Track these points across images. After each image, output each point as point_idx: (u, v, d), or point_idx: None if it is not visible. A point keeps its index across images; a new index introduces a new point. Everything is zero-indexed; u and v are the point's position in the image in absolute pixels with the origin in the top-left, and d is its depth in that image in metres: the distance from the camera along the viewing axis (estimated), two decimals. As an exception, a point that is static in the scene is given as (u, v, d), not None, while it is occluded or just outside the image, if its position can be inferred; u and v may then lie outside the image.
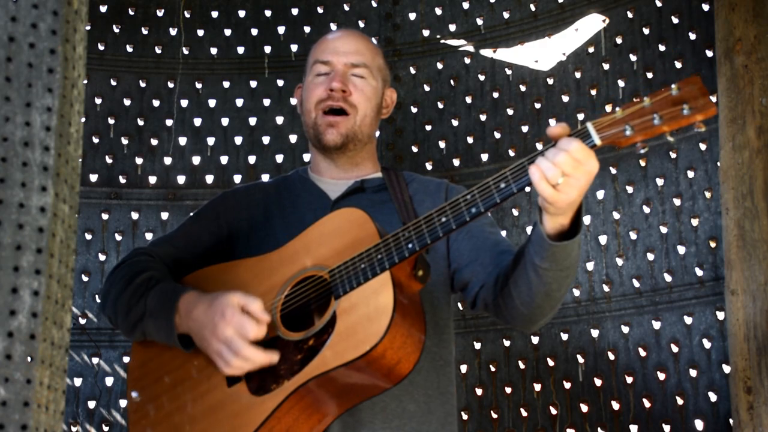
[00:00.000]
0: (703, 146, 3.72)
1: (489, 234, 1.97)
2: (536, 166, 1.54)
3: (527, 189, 1.61)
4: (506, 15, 4.28)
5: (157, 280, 1.92)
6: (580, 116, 4.02)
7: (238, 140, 4.30)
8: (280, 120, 4.33)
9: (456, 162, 4.20)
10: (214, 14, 4.46)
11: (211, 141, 4.29)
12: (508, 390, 3.86)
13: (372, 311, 1.65)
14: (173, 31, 4.40)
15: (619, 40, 4.02)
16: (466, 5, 4.36)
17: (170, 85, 4.33)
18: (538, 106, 4.14)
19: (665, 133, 1.50)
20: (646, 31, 3.97)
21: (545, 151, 1.55)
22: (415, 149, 4.27)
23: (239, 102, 4.35)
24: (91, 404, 3.89)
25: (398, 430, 1.85)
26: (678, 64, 3.85)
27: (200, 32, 4.42)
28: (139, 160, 4.23)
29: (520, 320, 1.85)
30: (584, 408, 3.72)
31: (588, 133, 1.54)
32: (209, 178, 4.24)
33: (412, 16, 4.41)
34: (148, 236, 4.12)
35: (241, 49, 4.42)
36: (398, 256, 1.66)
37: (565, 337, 3.84)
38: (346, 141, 2.04)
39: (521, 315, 1.82)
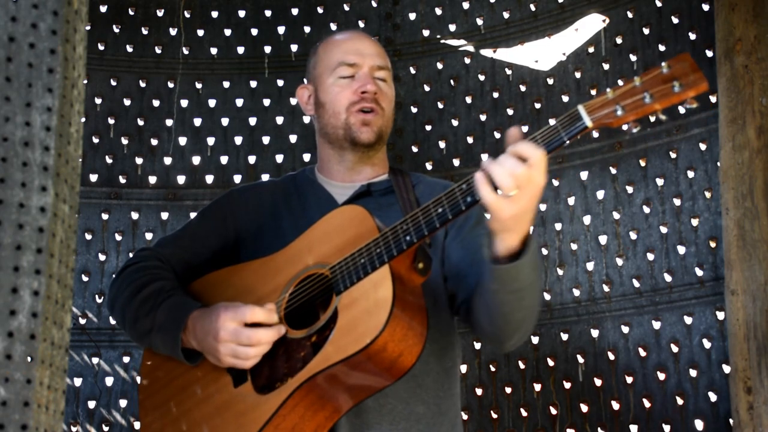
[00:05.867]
0: (703, 146, 3.72)
1: (480, 247, 1.94)
2: (482, 171, 1.56)
3: None
4: (506, 15, 4.28)
5: (167, 294, 1.93)
6: (580, 116, 4.01)
7: (238, 140, 4.30)
8: (280, 120, 4.33)
9: (456, 162, 4.20)
10: (214, 14, 4.46)
11: (211, 141, 4.29)
12: (508, 390, 3.86)
13: (372, 305, 1.66)
14: (173, 31, 4.40)
15: (619, 40, 4.02)
16: (466, 5, 4.36)
17: (170, 85, 4.33)
18: (538, 106, 4.14)
19: (657, 111, 1.49)
20: (646, 31, 3.97)
21: (498, 157, 1.56)
22: (415, 149, 4.27)
23: (239, 102, 4.35)
24: (91, 404, 3.89)
25: (406, 431, 1.85)
26: (678, 64, 3.84)
27: (200, 32, 4.42)
28: (139, 160, 4.23)
29: (488, 339, 1.88)
30: (584, 408, 3.72)
31: (579, 115, 1.53)
32: (209, 178, 4.24)
33: (412, 16, 4.41)
34: (148, 236, 4.12)
35: (241, 49, 4.42)
36: (396, 249, 1.67)
37: (565, 337, 3.84)
38: (378, 138, 2.05)
39: (487, 334, 1.84)
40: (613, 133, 3.83)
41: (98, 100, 4.27)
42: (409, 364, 1.68)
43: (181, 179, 4.24)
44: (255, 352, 1.74)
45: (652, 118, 1.52)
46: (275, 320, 1.77)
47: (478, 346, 3.95)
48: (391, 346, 1.64)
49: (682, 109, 1.50)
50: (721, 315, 3.51)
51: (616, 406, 3.67)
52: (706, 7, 3.82)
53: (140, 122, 4.27)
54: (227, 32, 4.43)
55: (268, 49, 4.41)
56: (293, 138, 4.31)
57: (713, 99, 3.63)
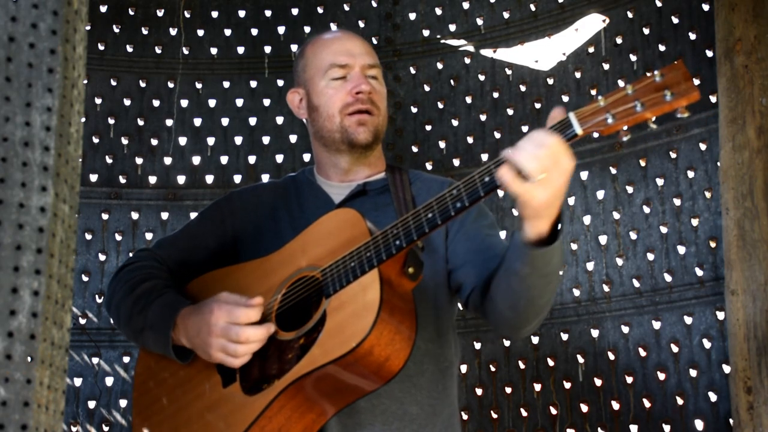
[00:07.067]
0: (703, 146, 3.72)
1: (485, 236, 1.96)
2: (507, 165, 1.53)
3: None
4: (506, 15, 4.28)
5: (159, 292, 1.93)
6: (580, 116, 4.01)
7: (238, 140, 4.30)
8: (280, 120, 4.33)
9: (456, 162, 4.20)
10: (214, 14, 4.46)
11: (211, 141, 4.29)
12: (508, 390, 3.86)
13: (359, 308, 1.66)
14: (173, 31, 4.40)
15: (619, 40, 4.02)
16: (466, 5, 4.36)
17: (170, 85, 4.33)
18: (538, 106, 4.14)
19: (648, 120, 1.49)
20: (646, 31, 3.97)
21: (517, 144, 1.55)
22: (415, 149, 4.27)
23: (239, 102, 4.35)
24: (91, 404, 3.89)
25: (399, 431, 1.85)
26: (678, 64, 3.84)
27: (200, 32, 4.42)
28: (139, 160, 4.23)
29: (506, 326, 1.85)
30: (584, 408, 3.72)
31: (570, 122, 1.52)
32: (209, 178, 4.24)
33: (412, 16, 4.41)
34: (148, 236, 4.12)
35: (241, 49, 4.42)
36: (386, 253, 1.67)
37: (565, 337, 3.84)
38: (375, 139, 2.03)
39: (506, 320, 1.82)
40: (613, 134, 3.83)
41: (98, 100, 4.27)
42: (396, 368, 1.68)
43: (181, 179, 4.24)
44: (244, 349, 1.75)
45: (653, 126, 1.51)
46: (258, 316, 1.77)
47: (478, 346, 3.95)
48: (377, 350, 1.64)
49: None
50: (721, 315, 3.51)
51: (616, 406, 3.67)
52: (706, 7, 3.82)
53: (140, 122, 4.27)
54: (227, 32, 4.44)
55: (268, 49, 4.41)
56: (293, 138, 4.31)
57: (713, 99, 3.63)
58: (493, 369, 3.90)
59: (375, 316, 1.62)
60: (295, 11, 4.47)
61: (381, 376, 1.68)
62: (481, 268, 1.88)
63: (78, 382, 3.90)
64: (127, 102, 4.29)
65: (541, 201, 1.54)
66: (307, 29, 4.43)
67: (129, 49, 4.34)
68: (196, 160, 4.27)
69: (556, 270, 1.70)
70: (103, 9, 4.36)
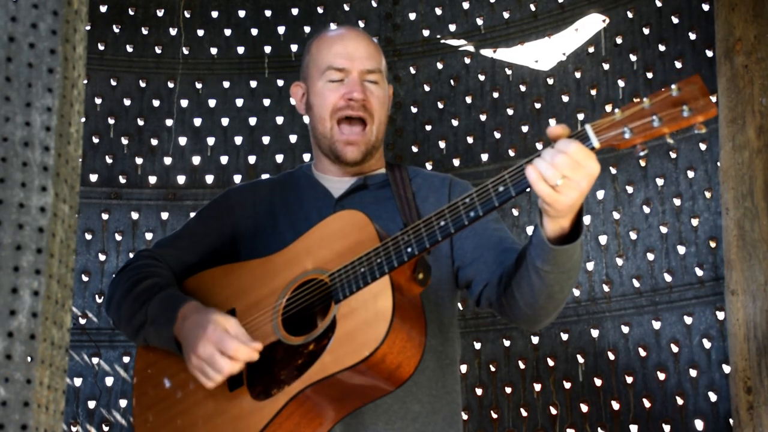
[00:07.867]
0: (703, 146, 3.72)
1: (493, 231, 1.96)
2: (534, 167, 1.53)
3: (528, 190, 1.60)
4: (506, 15, 4.28)
5: (160, 288, 1.92)
6: (580, 116, 4.02)
7: (238, 140, 4.30)
8: (280, 120, 4.33)
9: (456, 162, 4.20)
10: (214, 14, 4.46)
11: (211, 141, 4.29)
12: (508, 390, 3.86)
13: (371, 316, 1.64)
14: (173, 31, 4.40)
15: (619, 40, 4.02)
16: (466, 5, 4.36)
17: (170, 85, 4.33)
18: (538, 106, 4.14)
19: (665, 134, 1.48)
20: (646, 31, 3.97)
21: (543, 152, 1.53)
22: (415, 149, 4.27)
23: (239, 102, 4.35)
24: (91, 404, 3.89)
25: (401, 431, 1.85)
26: (678, 64, 3.85)
27: (200, 32, 4.42)
28: (139, 160, 4.23)
29: (524, 320, 1.85)
30: (584, 408, 3.72)
31: (586, 135, 1.51)
32: (209, 178, 4.24)
33: (412, 16, 4.41)
34: (148, 236, 4.12)
35: (241, 49, 4.42)
36: (397, 260, 1.66)
37: (565, 337, 3.84)
38: (365, 156, 2.03)
39: (525, 315, 1.82)
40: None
41: (98, 100, 4.27)
42: (407, 375, 1.67)
43: (181, 179, 4.24)
44: (219, 379, 1.73)
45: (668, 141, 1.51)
46: (254, 358, 1.73)
47: (478, 346, 3.95)
48: (389, 358, 1.63)
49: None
50: (721, 315, 3.51)
51: (616, 406, 3.67)
52: (706, 7, 3.82)
53: (140, 122, 4.27)
54: (227, 32, 4.44)
55: (268, 49, 4.41)
56: (293, 138, 4.31)
57: (713, 99, 3.62)
58: (493, 369, 3.90)
59: (388, 325, 1.60)
60: (295, 11, 4.47)
61: (391, 383, 1.68)
62: (493, 264, 1.88)
63: (78, 382, 3.90)
64: (127, 102, 4.29)
65: (564, 203, 1.54)
66: (307, 29, 4.43)
67: (129, 49, 4.34)
68: (196, 160, 4.27)
69: (576, 265, 1.70)
70: (103, 9, 4.36)
